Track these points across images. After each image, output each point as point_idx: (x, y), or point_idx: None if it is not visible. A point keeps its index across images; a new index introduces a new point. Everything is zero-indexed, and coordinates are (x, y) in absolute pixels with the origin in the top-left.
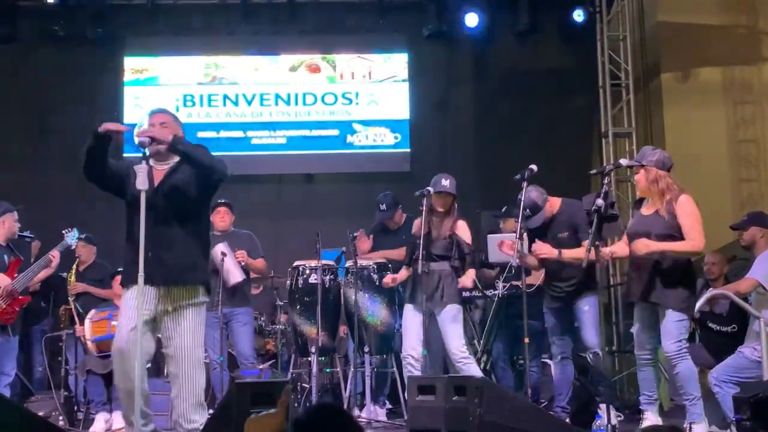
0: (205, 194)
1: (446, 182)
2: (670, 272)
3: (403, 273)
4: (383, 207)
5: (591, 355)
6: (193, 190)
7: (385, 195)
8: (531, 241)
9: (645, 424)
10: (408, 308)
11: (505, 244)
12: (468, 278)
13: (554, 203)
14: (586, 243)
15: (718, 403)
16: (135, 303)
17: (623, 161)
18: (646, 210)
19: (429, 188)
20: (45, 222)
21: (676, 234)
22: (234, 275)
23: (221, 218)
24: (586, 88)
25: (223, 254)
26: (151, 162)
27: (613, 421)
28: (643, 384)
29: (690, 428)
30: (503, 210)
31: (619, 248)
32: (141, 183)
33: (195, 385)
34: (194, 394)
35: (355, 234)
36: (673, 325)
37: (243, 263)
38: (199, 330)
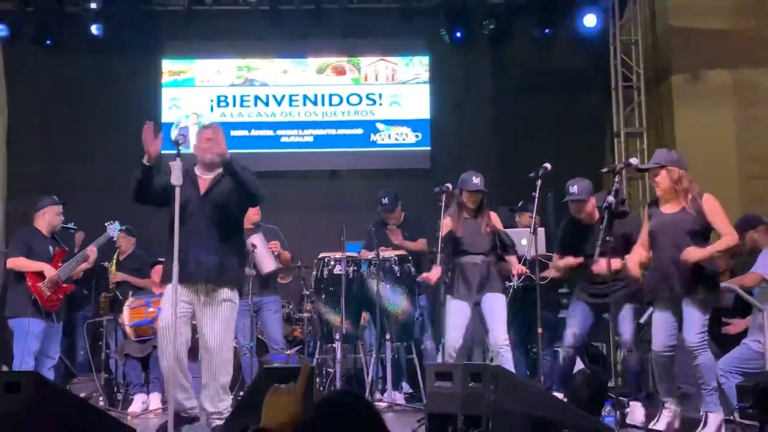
0: (244, 207)
1: (477, 180)
2: (696, 268)
3: (437, 271)
4: (385, 201)
5: (625, 352)
6: (234, 201)
7: (387, 191)
8: (574, 238)
9: (662, 417)
10: (452, 302)
11: None
12: (520, 266)
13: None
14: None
15: (723, 392)
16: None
17: (633, 160)
18: (667, 209)
19: (448, 185)
20: (89, 214)
21: (703, 230)
22: (268, 264)
23: (256, 212)
24: (599, 90)
25: (253, 246)
26: (197, 171)
27: (641, 415)
28: (666, 377)
29: (706, 417)
30: (519, 205)
31: (636, 256)
32: (175, 178)
33: (225, 371)
34: (224, 378)
35: (372, 228)
36: (700, 318)
37: (276, 253)
38: (231, 322)
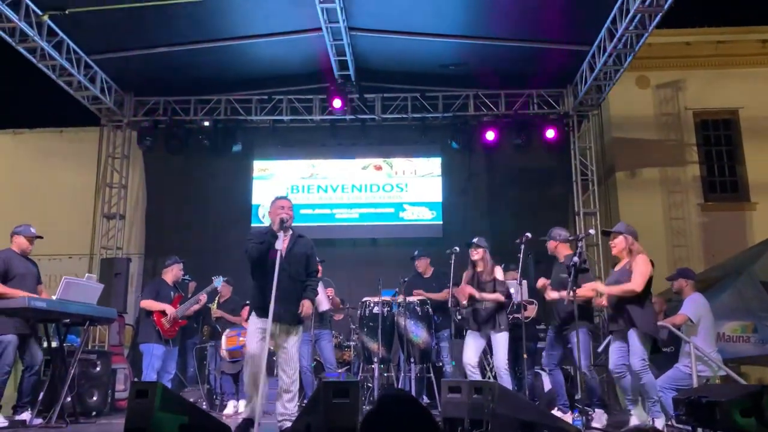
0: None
1: (475, 240)
2: (638, 309)
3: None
4: (415, 254)
5: (586, 373)
6: (303, 262)
7: (419, 250)
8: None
9: (632, 419)
10: (470, 333)
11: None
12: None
13: (562, 252)
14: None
15: (662, 403)
16: (259, 328)
17: (591, 231)
18: (617, 267)
19: (456, 248)
20: (200, 268)
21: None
22: (323, 305)
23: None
24: (564, 182)
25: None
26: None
27: (603, 420)
28: (626, 390)
29: (653, 421)
30: (505, 265)
31: (583, 291)
32: (279, 244)
33: (295, 383)
34: (294, 389)
35: (404, 279)
36: (639, 348)
37: (330, 297)
38: (297, 347)
